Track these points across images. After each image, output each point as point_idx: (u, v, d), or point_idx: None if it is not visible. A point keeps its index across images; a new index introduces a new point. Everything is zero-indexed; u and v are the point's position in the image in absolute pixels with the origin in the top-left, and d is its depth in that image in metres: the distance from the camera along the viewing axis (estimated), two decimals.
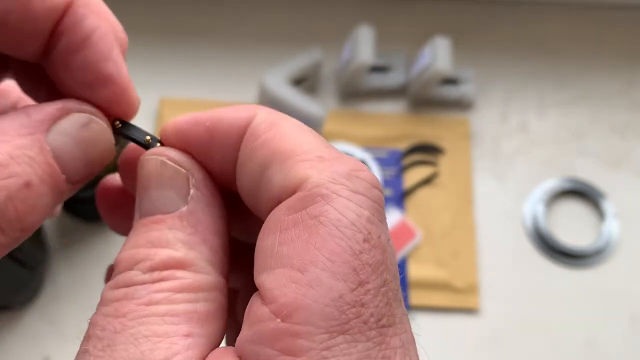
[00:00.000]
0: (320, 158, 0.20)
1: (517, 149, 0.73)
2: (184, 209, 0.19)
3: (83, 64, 0.19)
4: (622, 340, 0.64)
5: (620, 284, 0.67)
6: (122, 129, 0.20)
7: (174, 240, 0.18)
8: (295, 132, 0.21)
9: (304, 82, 0.73)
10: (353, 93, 0.74)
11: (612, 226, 0.69)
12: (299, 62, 0.71)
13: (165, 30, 0.78)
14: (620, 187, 0.71)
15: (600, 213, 0.70)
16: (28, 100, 0.22)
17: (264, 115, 0.22)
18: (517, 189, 0.71)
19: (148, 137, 0.21)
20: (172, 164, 0.20)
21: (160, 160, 0.20)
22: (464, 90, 0.74)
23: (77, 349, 0.21)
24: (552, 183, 0.71)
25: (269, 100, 0.69)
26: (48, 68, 0.20)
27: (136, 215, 0.20)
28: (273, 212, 0.19)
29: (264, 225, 0.19)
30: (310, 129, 0.21)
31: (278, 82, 0.69)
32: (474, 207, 0.69)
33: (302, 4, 0.80)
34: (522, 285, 0.66)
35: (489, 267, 0.67)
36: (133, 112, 0.20)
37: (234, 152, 0.21)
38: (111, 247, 0.66)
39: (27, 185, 0.18)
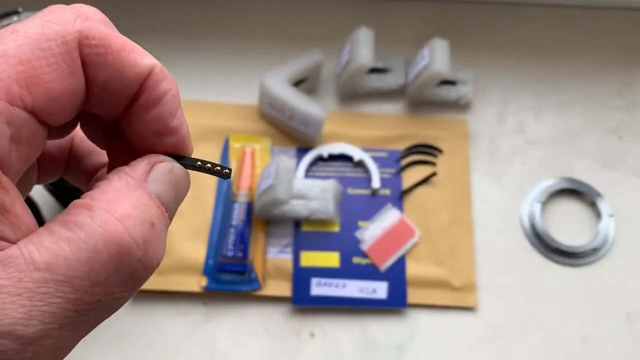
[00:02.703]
0: None
1: (515, 149, 0.73)
2: None
3: (156, 118, 0.23)
4: (617, 338, 0.64)
5: (616, 282, 0.67)
6: (184, 162, 0.25)
7: None
8: None
9: (304, 83, 0.73)
10: (352, 94, 0.75)
11: (607, 225, 0.69)
12: (299, 63, 0.71)
13: (166, 32, 0.79)
14: (615, 186, 0.71)
15: (596, 212, 0.70)
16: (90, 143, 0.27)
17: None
18: (514, 189, 0.71)
19: (208, 165, 0.25)
20: None
21: None
22: (462, 91, 0.74)
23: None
24: (548, 183, 0.71)
25: (269, 100, 0.69)
26: (122, 120, 0.24)
27: None
28: None
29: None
30: None
31: (278, 83, 0.69)
32: (472, 207, 0.70)
33: (303, 6, 0.81)
34: (519, 284, 0.66)
35: (486, 266, 0.67)
36: (189, 155, 0.25)
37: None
38: None
39: (152, 225, 0.22)
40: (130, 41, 0.25)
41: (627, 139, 0.74)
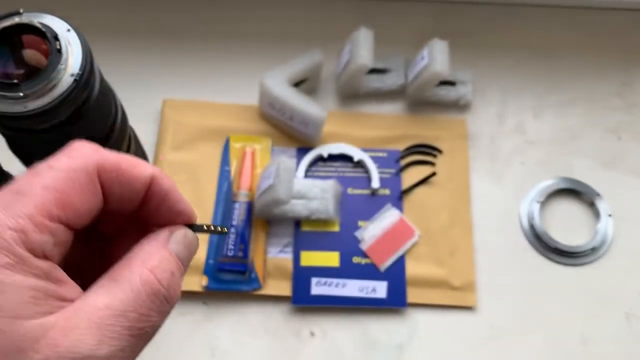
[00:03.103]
0: None
1: (514, 149, 0.73)
2: None
3: (168, 208, 0.33)
4: (616, 337, 0.65)
5: (615, 282, 0.67)
6: (194, 228, 0.34)
7: None
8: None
9: (304, 83, 0.73)
10: (352, 94, 0.75)
11: (606, 225, 0.69)
12: (299, 63, 0.71)
13: (168, 33, 0.79)
14: (615, 186, 0.71)
15: (595, 212, 0.70)
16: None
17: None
18: (513, 189, 0.71)
19: (211, 227, 0.36)
20: None
21: None
22: (461, 91, 0.75)
23: None
24: (548, 182, 0.71)
25: (269, 100, 0.70)
26: (141, 211, 0.33)
27: None
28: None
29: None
30: None
31: (278, 83, 0.69)
32: (471, 207, 0.70)
33: (303, 7, 0.81)
34: (519, 283, 0.67)
35: (485, 266, 0.67)
36: (195, 222, 0.34)
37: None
38: None
39: (172, 274, 0.31)
40: (134, 158, 0.32)
41: (626, 139, 0.74)
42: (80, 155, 0.30)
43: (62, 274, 0.29)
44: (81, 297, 0.29)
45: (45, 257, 0.28)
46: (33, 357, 0.26)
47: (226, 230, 0.40)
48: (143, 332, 0.29)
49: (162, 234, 0.32)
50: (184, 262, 0.33)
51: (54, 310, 0.27)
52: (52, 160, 0.30)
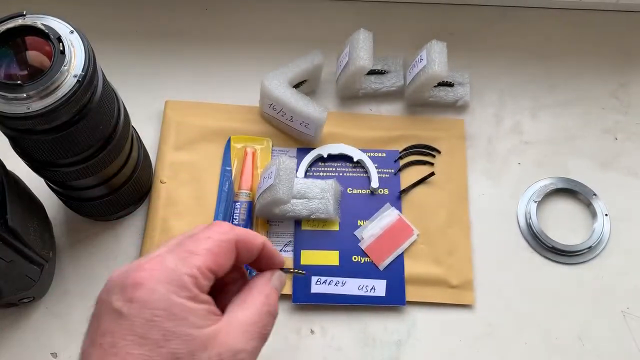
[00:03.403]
0: None
1: (511, 149, 0.74)
2: None
3: (270, 262, 0.50)
4: (613, 336, 0.65)
5: (611, 281, 0.67)
6: (284, 270, 0.52)
7: None
8: None
9: (304, 84, 0.74)
10: (352, 95, 0.76)
11: (603, 224, 0.70)
12: (300, 65, 0.72)
13: (170, 35, 0.79)
14: (611, 186, 0.72)
15: (591, 211, 0.71)
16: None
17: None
18: (511, 188, 0.72)
19: (295, 270, 0.58)
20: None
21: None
22: (459, 92, 0.75)
23: None
24: (545, 182, 0.72)
25: (270, 102, 0.70)
26: (252, 264, 0.50)
27: None
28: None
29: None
30: None
31: (279, 85, 0.70)
32: (469, 206, 0.70)
33: (303, 9, 0.82)
34: (516, 282, 0.67)
35: (483, 264, 0.68)
36: (283, 266, 0.52)
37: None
38: (118, 244, 0.68)
39: (275, 300, 0.48)
40: (252, 231, 0.48)
41: (622, 139, 0.75)
42: (223, 230, 0.46)
43: (212, 300, 0.44)
44: (227, 313, 0.45)
45: (205, 292, 0.43)
46: (211, 351, 0.41)
47: (304, 273, 0.59)
48: (265, 335, 0.45)
49: (267, 275, 0.49)
50: (279, 292, 0.49)
51: (215, 322, 0.43)
52: (209, 231, 0.45)
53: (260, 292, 0.47)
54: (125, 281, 0.41)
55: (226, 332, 0.42)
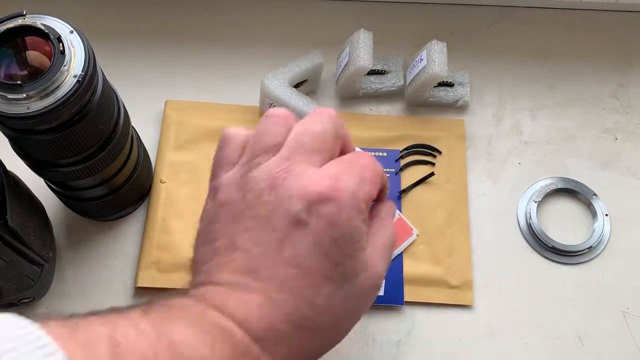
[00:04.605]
0: None
1: (511, 149, 0.74)
2: None
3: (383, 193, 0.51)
4: (613, 336, 0.65)
5: (611, 281, 0.67)
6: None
7: None
8: None
9: (304, 84, 0.74)
10: (352, 95, 0.76)
11: (603, 224, 0.70)
12: (300, 65, 0.72)
13: (170, 35, 0.80)
14: (611, 186, 0.72)
15: (591, 211, 0.71)
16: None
17: None
18: (511, 189, 0.72)
19: None
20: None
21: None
22: (459, 92, 0.75)
23: None
24: (544, 182, 0.72)
25: (270, 101, 0.70)
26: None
27: None
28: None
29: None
30: None
31: (279, 85, 0.70)
32: (469, 206, 0.70)
33: (303, 9, 0.82)
34: (516, 282, 0.67)
35: (483, 264, 0.68)
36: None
37: None
38: (118, 244, 0.68)
39: (394, 234, 0.50)
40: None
41: (622, 139, 0.75)
42: (377, 165, 0.47)
43: None
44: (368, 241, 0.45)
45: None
46: (366, 273, 0.43)
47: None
48: (390, 262, 0.47)
49: (389, 203, 0.51)
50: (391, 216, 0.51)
51: (367, 246, 0.45)
52: (371, 160, 0.47)
53: (389, 220, 0.49)
54: (309, 194, 0.42)
55: (372, 256, 0.45)
